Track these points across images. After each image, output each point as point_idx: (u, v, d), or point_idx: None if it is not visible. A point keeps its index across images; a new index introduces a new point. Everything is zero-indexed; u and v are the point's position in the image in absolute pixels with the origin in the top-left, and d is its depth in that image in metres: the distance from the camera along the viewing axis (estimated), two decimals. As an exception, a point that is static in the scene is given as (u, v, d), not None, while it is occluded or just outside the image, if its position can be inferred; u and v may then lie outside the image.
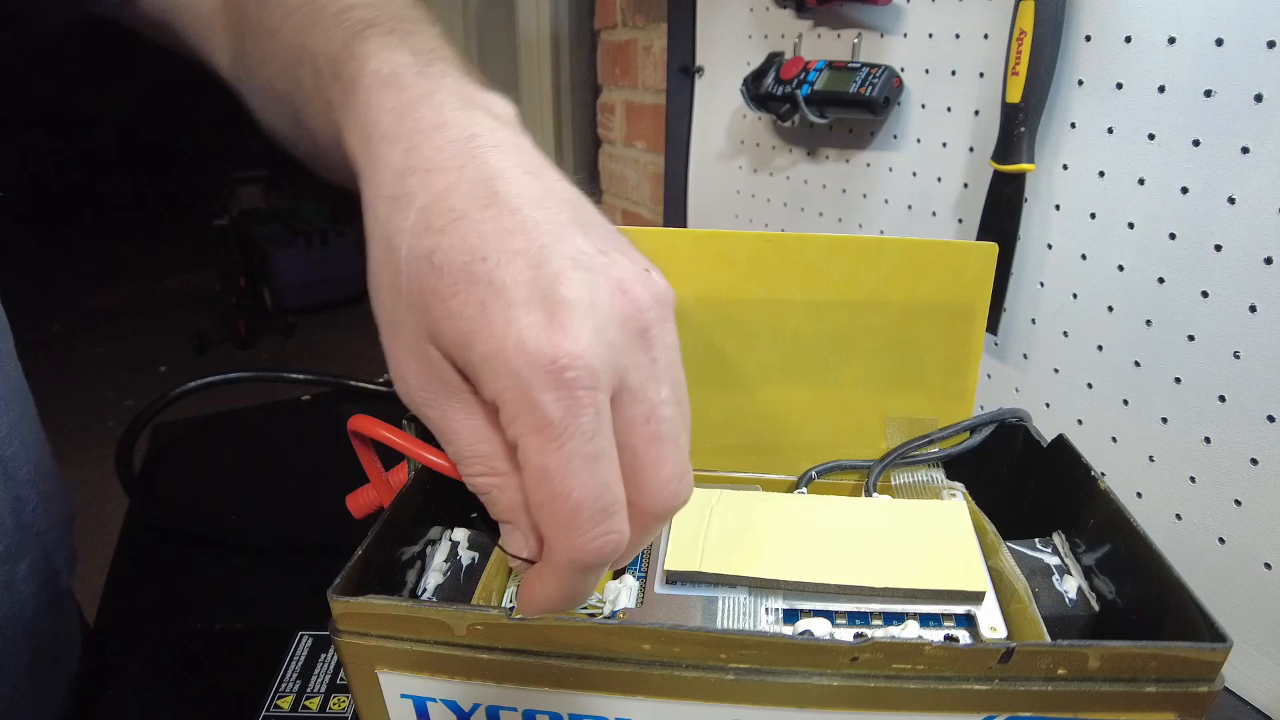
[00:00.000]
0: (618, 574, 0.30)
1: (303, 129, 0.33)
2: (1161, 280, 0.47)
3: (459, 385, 0.24)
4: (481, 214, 0.23)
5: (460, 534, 0.33)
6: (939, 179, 0.62)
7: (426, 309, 0.23)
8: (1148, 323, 0.48)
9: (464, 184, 0.23)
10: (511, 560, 0.25)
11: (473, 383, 0.23)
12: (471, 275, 0.22)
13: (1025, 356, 0.57)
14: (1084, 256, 0.52)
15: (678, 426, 0.23)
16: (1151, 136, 0.47)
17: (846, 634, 0.27)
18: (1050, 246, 0.54)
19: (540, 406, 0.21)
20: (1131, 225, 0.49)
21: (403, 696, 0.26)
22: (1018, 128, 0.52)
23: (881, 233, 0.70)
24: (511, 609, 0.25)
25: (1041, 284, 0.55)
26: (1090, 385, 0.53)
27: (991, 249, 0.34)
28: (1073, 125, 0.51)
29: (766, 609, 0.28)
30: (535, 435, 0.21)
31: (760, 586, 0.28)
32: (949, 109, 0.60)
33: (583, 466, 0.21)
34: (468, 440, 0.24)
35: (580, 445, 0.21)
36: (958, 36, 0.59)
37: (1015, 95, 0.51)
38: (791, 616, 0.28)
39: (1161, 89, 0.46)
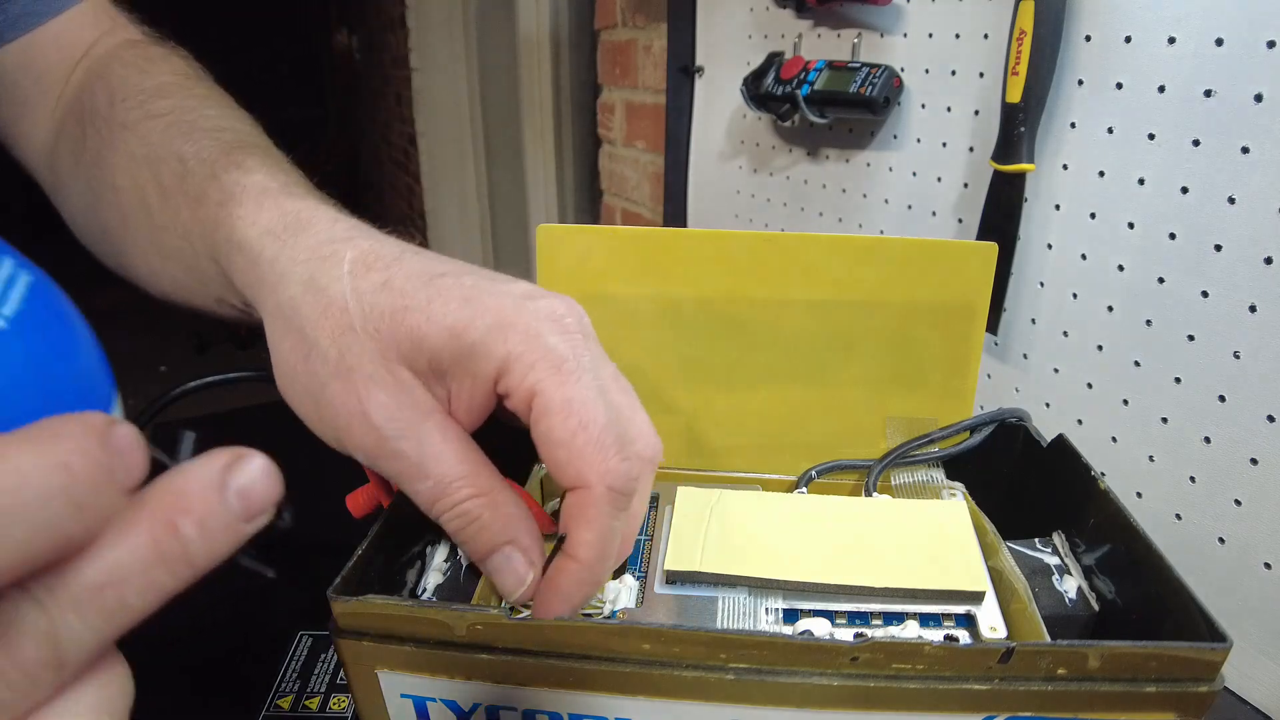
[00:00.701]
0: (617, 573, 0.30)
1: (147, 221, 0.34)
2: (1161, 280, 0.47)
3: (432, 406, 0.24)
4: (415, 255, 0.26)
5: (460, 534, 0.33)
6: (939, 179, 0.62)
7: (400, 324, 0.24)
8: (1148, 323, 0.48)
9: (385, 245, 0.26)
10: (515, 594, 0.25)
11: (463, 369, 0.24)
12: (439, 286, 0.24)
13: (1025, 356, 0.57)
14: (1084, 256, 0.52)
15: None
16: (1151, 136, 0.47)
17: (846, 634, 0.27)
18: (1050, 246, 0.54)
19: (555, 348, 0.24)
20: (1131, 225, 0.49)
21: (403, 696, 0.26)
22: (1018, 127, 0.52)
23: (881, 232, 0.70)
24: (511, 609, 0.25)
25: (1041, 284, 0.55)
26: (1090, 385, 0.53)
27: (991, 249, 0.34)
28: (1073, 125, 0.51)
29: (766, 609, 0.28)
30: (555, 373, 0.23)
31: (760, 586, 0.28)
32: (949, 109, 0.60)
33: (599, 396, 0.24)
34: (450, 461, 0.24)
35: (592, 379, 0.24)
36: (958, 36, 0.59)
37: (1015, 95, 0.51)
38: (791, 616, 0.28)
39: (1161, 89, 0.46)
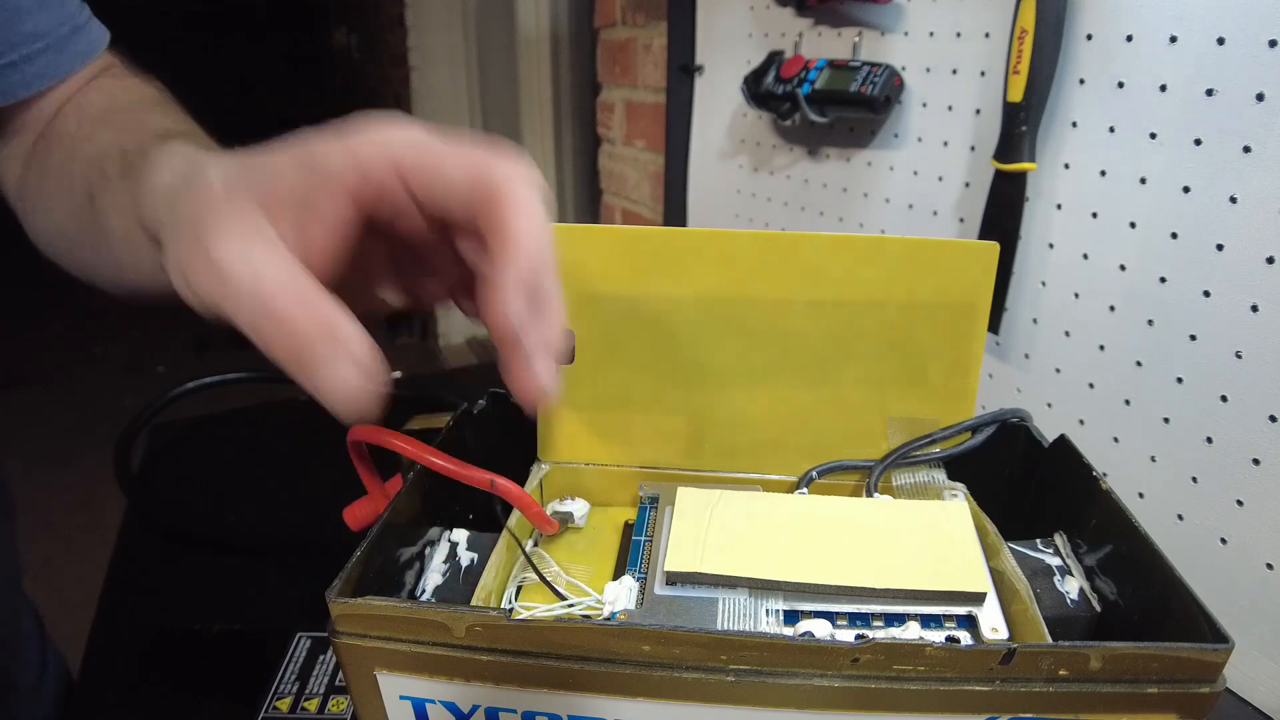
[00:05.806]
0: (617, 574, 0.30)
1: (91, 210, 0.35)
2: (1163, 280, 0.47)
3: (274, 238, 0.24)
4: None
5: (459, 535, 0.33)
6: (940, 178, 0.62)
7: (250, 167, 0.24)
8: (1149, 322, 0.48)
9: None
10: (339, 391, 0.22)
11: (312, 182, 0.24)
12: (282, 141, 0.25)
13: (1027, 356, 0.57)
14: (1085, 256, 0.52)
15: None
16: (1153, 135, 0.47)
17: (847, 635, 0.27)
18: (1052, 246, 0.54)
19: (398, 123, 0.25)
20: (1133, 224, 0.49)
21: (401, 698, 0.26)
22: (1019, 126, 0.52)
23: (883, 232, 0.69)
24: (510, 610, 0.25)
25: (1043, 283, 0.55)
26: (1092, 385, 0.53)
27: (993, 248, 0.34)
28: (1074, 124, 0.51)
29: (767, 610, 0.28)
30: (405, 129, 0.24)
31: (761, 587, 0.28)
32: (950, 108, 0.60)
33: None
34: (275, 278, 0.22)
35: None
36: (959, 35, 0.58)
37: (1016, 94, 0.51)
38: (792, 618, 0.27)
39: (1163, 88, 0.46)
